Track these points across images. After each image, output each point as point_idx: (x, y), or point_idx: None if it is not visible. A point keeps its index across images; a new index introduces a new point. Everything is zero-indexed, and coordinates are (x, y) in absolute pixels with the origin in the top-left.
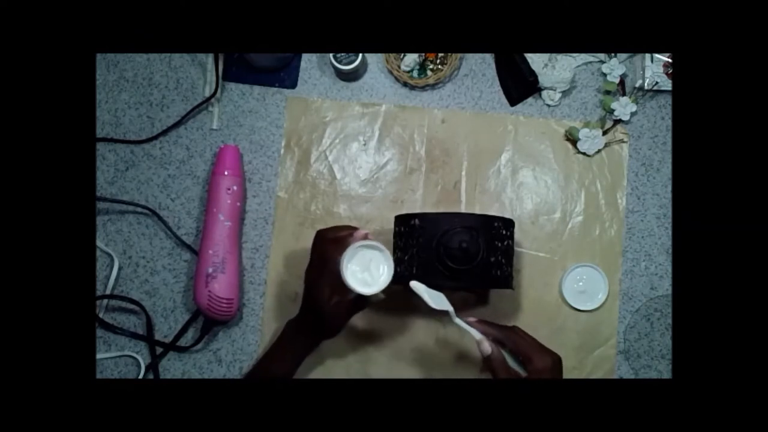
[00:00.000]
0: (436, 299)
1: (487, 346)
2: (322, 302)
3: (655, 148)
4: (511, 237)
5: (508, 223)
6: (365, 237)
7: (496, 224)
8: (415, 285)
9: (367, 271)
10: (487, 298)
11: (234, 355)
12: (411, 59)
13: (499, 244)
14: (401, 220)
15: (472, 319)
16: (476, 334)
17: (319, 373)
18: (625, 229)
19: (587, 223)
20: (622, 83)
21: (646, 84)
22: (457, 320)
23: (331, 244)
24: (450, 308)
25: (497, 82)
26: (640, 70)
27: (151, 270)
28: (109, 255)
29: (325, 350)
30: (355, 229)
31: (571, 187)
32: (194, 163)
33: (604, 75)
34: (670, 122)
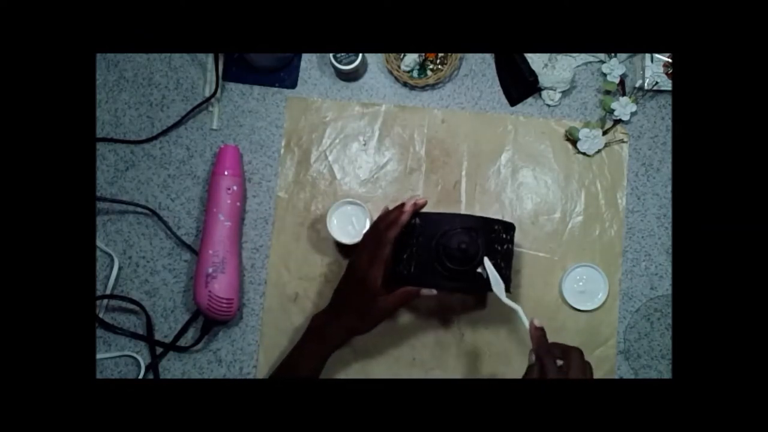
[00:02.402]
0: (497, 285)
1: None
2: (374, 290)
3: (655, 148)
4: (511, 241)
5: (509, 227)
6: (423, 204)
7: (496, 227)
8: (487, 262)
9: (350, 224)
10: (485, 302)
11: (234, 355)
12: (411, 59)
13: (499, 248)
14: None
15: (536, 322)
16: (524, 319)
17: None
18: (625, 229)
19: (587, 223)
20: (622, 83)
21: (646, 84)
22: (522, 315)
23: (384, 228)
24: (514, 306)
25: (497, 82)
26: (640, 70)
27: (151, 270)
28: (109, 255)
29: None
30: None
31: (571, 187)
32: (194, 163)
33: (604, 75)
34: (670, 122)
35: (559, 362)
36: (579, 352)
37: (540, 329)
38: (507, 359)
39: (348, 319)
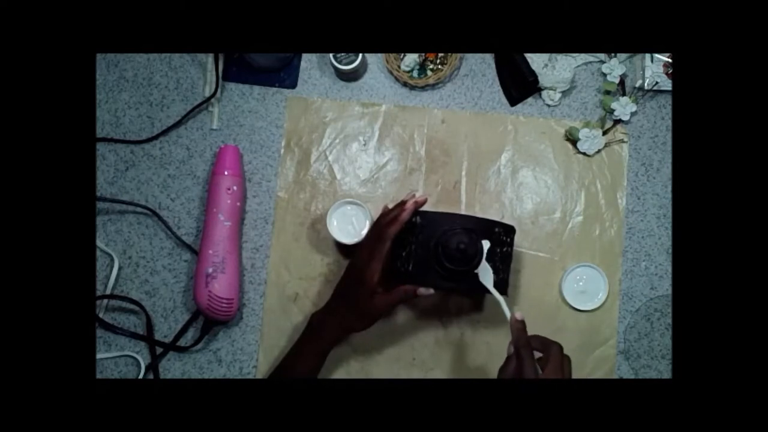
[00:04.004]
0: (484, 272)
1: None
2: (371, 285)
3: (655, 148)
4: (511, 244)
5: (510, 230)
6: (423, 202)
7: (497, 230)
8: (486, 243)
9: (350, 224)
10: (481, 306)
11: (234, 355)
12: (411, 59)
13: (498, 250)
14: None
15: (518, 315)
16: (506, 310)
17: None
18: (625, 229)
19: (587, 223)
20: (622, 83)
21: (646, 84)
22: (504, 307)
23: (385, 224)
24: (498, 296)
25: (497, 82)
26: (640, 70)
27: (151, 270)
28: (109, 255)
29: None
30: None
31: (571, 187)
32: (194, 163)
33: (604, 75)
34: (670, 122)
35: (538, 355)
36: (558, 346)
37: (521, 322)
38: None
39: (344, 316)
